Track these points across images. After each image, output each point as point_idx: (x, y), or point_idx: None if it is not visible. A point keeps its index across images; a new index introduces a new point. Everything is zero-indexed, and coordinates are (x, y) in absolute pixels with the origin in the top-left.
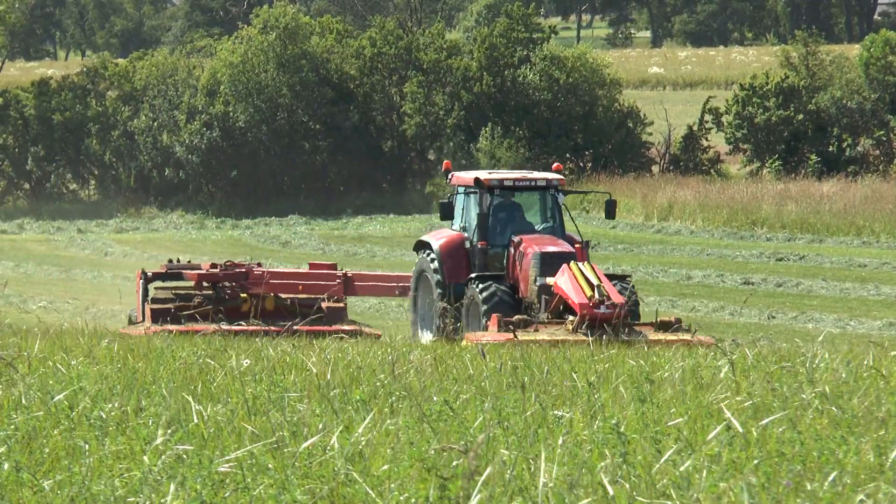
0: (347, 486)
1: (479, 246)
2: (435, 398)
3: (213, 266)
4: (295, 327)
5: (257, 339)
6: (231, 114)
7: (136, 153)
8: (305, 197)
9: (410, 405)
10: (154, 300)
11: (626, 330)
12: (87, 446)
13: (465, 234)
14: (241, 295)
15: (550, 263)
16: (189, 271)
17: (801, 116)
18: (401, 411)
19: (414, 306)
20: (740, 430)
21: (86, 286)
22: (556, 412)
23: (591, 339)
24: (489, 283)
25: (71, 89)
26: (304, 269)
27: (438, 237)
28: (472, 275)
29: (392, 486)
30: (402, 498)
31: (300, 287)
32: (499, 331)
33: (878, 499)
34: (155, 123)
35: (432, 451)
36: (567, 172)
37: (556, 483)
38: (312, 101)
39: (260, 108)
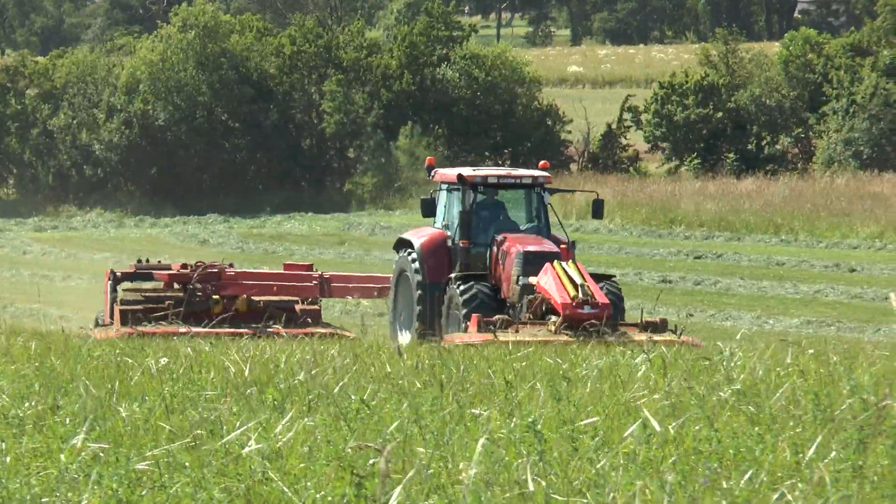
0: (264, 484)
1: (461, 245)
2: (353, 397)
3: (184, 266)
4: (269, 330)
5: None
6: (150, 112)
7: (56, 152)
8: (224, 195)
9: (328, 403)
10: (123, 301)
11: (611, 331)
12: (3, 445)
13: (447, 233)
14: (213, 297)
15: (534, 263)
16: (159, 272)
17: (720, 114)
18: (318, 410)
19: (393, 307)
20: (658, 428)
21: (4, 284)
22: (473, 410)
23: (575, 340)
24: (470, 282)
25: None
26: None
27: (420, 235)
28: (453, 274)
29: (308, 484)
30: (318, 496)
31: (274, 288)
32: (479, 331)
33: (795, 496)
34: (74, 122)
35: (349, 450)
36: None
37: (474, 481)
38: (232, 99)
39: (179, 106)
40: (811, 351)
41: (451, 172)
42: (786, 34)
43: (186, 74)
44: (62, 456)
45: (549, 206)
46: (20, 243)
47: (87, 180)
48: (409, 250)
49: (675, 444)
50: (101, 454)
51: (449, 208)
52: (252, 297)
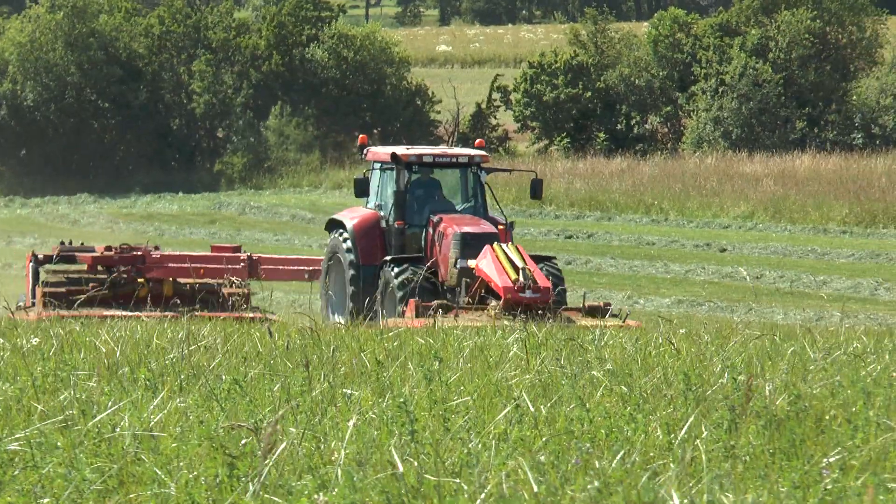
0: (137, 464)
1: (396, 226)
2: (224, 377)
3: (108, 249)
4: (196, 314)
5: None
6: (19, 92)
7: None
8: (94, 175)
9: (199, 384)
10: (45, 283)
11: (554, 315)
12: None
13: (381, 213)
14: (138, 280)
15: (472, 245)
16: (83, 254)
17: (589, 94)
18: (190, 390)
19: (325, 290)
20: (531, 408)
21: None
22: (345, 391)
23: (517, 324)
24: (405, 265)
25: None
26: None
27: (352, 216)
28: (388, 257)
29: (181, 464)
30: (191, 476)
31: (201, 271)
32: (416, 317)
33: (668, 477)
34: None
35: (221, 430)
36: (354, 151)
37: (345, 461)
38: (101, 79)
39: (48, 86)
40: (683, 330)
41: (384, 151)
42: (654, 14)
43: (55, 55)
44: None
45: (486, 185)
46: None
47: None
48: (342, 231)
49: (548, 424)
50: None
51: (382, 188)
52: (178, 280)
